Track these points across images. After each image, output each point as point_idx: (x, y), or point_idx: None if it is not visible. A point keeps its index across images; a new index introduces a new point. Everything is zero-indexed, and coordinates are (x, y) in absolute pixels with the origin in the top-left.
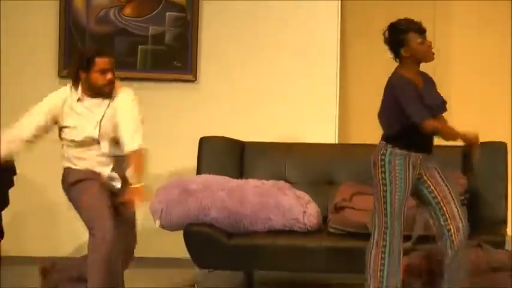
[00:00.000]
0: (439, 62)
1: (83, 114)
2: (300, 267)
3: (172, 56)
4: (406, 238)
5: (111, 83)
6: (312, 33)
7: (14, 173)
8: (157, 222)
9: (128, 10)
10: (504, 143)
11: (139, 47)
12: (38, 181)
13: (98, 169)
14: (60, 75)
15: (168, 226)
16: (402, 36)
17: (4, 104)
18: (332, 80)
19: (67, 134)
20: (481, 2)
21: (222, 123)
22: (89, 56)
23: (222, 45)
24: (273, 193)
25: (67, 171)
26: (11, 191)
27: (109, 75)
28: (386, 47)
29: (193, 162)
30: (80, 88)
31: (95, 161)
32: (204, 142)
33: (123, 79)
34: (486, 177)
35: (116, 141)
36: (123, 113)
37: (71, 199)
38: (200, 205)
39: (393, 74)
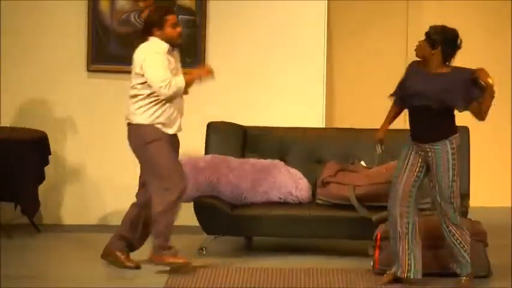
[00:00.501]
0: (412, 56)
1: (172, 65)
2: (292, 233)
3: (184, 53)
4: (383, 208)
5: (181, 35)
6: (303, 32)
7: (49, 152)
8: None
9: (146, 14)
10: (467, 127)
11: None
12: (69, 159)
13: (172, 123)
14: (89, 70)
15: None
16: None
17: (37, 94)
18: (320, 74)
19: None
20: (452, 2)
21: (226, 110)
22: (160, 15)
23: (226, 43)
24: (270, 170)
25: (142, 127)
26: (46, 168)
27: (179, 28)
28: (367, 42)
29: (201, 144)
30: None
31: (173, 113)
32: (211, 126)
33: None
34: None
35: None
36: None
37: (144, 156)
38: (208, 180)
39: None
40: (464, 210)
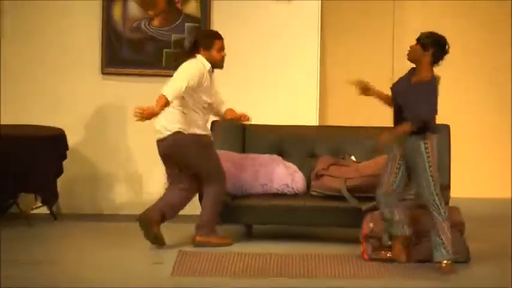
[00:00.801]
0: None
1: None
2: (289, 222)
3: (190, 58)
4: (371, 199)
5: (224, 60)
6: (298, 40)
7: (67, 148)
8: None
9: (155, 22)
10: (448, 125)
11: (164, 50)
12: (85, 154)
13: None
14: (103, 73)
15: None
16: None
17: (56, 95)
18: (314, 77)
19: (203, 97)
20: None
21: None
22: (211, 38)
23: (228, 49)
24: (268, 164)
25: (189, 136)
26: (64, 163)
27: (224, 53)
28: (356, 42)
29: None
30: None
31: (204, 124)
32: (214, 124)
33: (151, 75)
34: None
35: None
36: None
37: (197, 158)
38: None
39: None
40: (445, 201)
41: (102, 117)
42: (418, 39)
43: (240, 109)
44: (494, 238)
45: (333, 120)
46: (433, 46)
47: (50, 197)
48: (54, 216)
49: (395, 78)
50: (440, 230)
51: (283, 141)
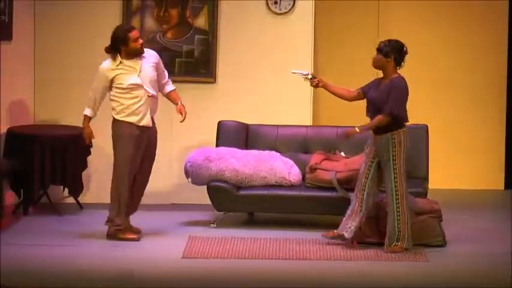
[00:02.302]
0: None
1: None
2: (286, 210)
3: (199, 65)
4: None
5: (143, 46)
6: (294, 48)
7: (91, 145)
8: (189, 180)
9: (168, 34)
10: (426, 125)
11: (177, 59)
12: (106, 150)
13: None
14: None
15: (196, 182)
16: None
17: (80, 99)
18: (308, 82)
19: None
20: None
21: (233, 111)
22: (123, 34)
23: (233, 58)
24: (268, 159)
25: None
26: (88, 158)
27: (141, 41)
28: (346, 52)
29: (213, 138)
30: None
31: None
32: (220, 124)
33: None
34: (414, 148)
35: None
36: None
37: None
38: (218, 168)
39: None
40: (424, 192)
41: None
42: (378, 49)
43: (245, 111)
44: (468, 225)
45: (325, 120)
46: (393, 52)
47: (75, 188)
48: (80, 205)
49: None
50: (396, 217)
51: (281, 138)
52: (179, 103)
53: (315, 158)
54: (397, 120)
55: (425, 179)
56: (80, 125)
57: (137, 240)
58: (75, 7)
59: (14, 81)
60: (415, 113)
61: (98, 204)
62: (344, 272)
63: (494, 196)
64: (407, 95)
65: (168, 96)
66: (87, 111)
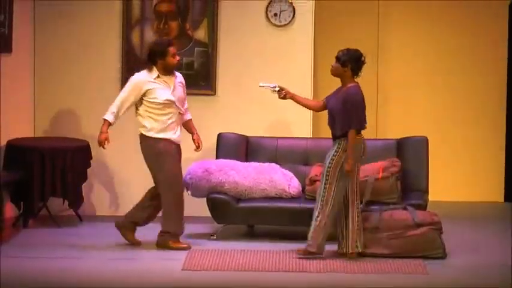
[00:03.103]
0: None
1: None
2: (286, 222)
3: (199, 78)
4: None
5: (179, 62)
6: (293, 61)
7: (90, 157)
8: (189, 192)
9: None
10: (426, 137)
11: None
12: (106, 163)
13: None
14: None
15: (195, 194)
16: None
17: (80, 111)
18: (307, 95)
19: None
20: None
21: (232, 123)
22: (164, 47)
23: (232, 70)
24: (268, 171)
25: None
26: (88, 170)
27: (178, 57)
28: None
29: (213, 150)
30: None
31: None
32: (220, 136)
33: None
34: (414, 160)
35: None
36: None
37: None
38: (218, 180)
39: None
40: (424, 204)
41: (121, 130)
42: (337, 58)
43: (245, 123)
44: (469, 237)
45: (325, 132)
46: (350, 62)
47: (75, 200)
48: (80, 217)
49: (381, 88)
50: (314, 222)
51: (281, 151)
52: (195, 133)
53: (314, 170)
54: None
55: (425, 191)
56: (80, 137)
57: (188, 248)
58: (75, 20)
59: (14, 93)
60: (415, 125)
61: (97, 216)
62: (344, 284)
63: (494, 208)
64: (363, 103)
65: (184, 124)
66: (109, 117)
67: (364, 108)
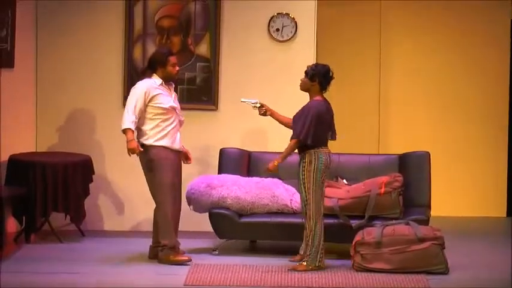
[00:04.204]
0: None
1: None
2: (288, 237)
3: (201, 92)
4: (361, 217)
5: (178, 73)
6: (294, 77)
7: (93, 172)
8: (191, 207)
9: None
10: (428, 152)
11: (178, 86)
12: (108, 178)
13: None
14: (125, 106)
15: (198, 209)
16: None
17: (82, 126)
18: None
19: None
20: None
21: (234, 138)
22: (164, 56)
23: (234, 85)
24: (270, 187)
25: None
26: (91, 185)
27: (177, 68)
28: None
29: (215, 165)
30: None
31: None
32: (223, 151)
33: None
34: (416, 175)
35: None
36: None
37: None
38: (220, 195)
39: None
40: (426, 219)
41: (123, 145)
42: (305, 72)
43: (247, 138)
44: (471, 252)
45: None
46: (318, 76)
47: (77, 215)
48: (82, 232)
49: (382, 102)
50: (304, 236)
51: (283, 166)
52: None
53: None
54: (307, 143)
55: (428, 206)
56: (83, 152)
57: (189, 260)
58: (77, 35)
59: (15, 108)
60: (417, 139)
61: (99, 231)
62: None
63: (497, 223)
64: (319, 118)
65: None
66: (131, 125)
67: (320, 122)
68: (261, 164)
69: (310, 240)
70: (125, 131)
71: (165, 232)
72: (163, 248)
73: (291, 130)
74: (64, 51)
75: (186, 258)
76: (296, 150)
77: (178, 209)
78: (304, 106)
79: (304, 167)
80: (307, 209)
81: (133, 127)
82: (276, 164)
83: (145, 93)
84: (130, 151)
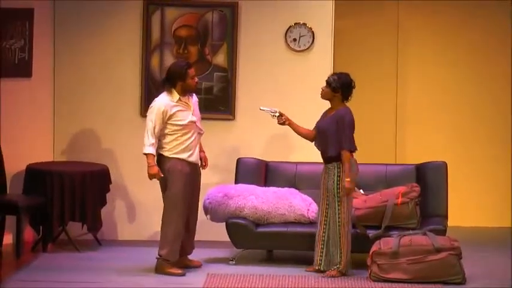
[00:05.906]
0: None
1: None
2: (304, 247)
3: (218, 102)
4: (377, 227)
5: (197, 84)
6: (310, 87)
7: (110, 182)
8: (208, 216)
9: None
10: (445, 162)
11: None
12: (125, 187)
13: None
14: (142, 115)
15: (215, 219)
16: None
17: (100, 136)
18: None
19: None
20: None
21: (252, 148)
22: (184, 70)
23: (251, 95)
24: (287, 197)
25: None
26: (107, 194)
27: (196, 79)
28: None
29: (232, 175)
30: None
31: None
32: (240, 161)
33: None
34: (433, 185)
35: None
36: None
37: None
38: (237, 205)
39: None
40: (443, 229)
41: (140, 154)
42: (327, 82)
43: (263, 146)
44: (489, 263)
45: None
46: (341, 87)
47: (94, 225)
48: (99, 242)
49: (400, 110)
50: (338, 245)
51: (300, 176)
52: (203, 151)
53: None
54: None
55: (445, 216)
56: (100, 161)
57: (183, 275)
58: (95, 44)
59: (33, 118)
60: (434, 149)
61: (116, 240)
62: None
63: None
64: (354, 125)
65: None
66: (151, 150)
67: (354, 129)
68: (278, 173)
69: (344, 247)
70: (145, 155)
71: (163, 243)
72: (158, 258)
73: (307, 139)
74: (81, 61)
75: (180, 272)
76: (321, 160)
77: (195, 220)
78: (334, 116)
79: (340, 176)
80: (339, 219)
81: (154, 151)
82: (350, 184)
83: (163, 113)
84: (151, 176)
